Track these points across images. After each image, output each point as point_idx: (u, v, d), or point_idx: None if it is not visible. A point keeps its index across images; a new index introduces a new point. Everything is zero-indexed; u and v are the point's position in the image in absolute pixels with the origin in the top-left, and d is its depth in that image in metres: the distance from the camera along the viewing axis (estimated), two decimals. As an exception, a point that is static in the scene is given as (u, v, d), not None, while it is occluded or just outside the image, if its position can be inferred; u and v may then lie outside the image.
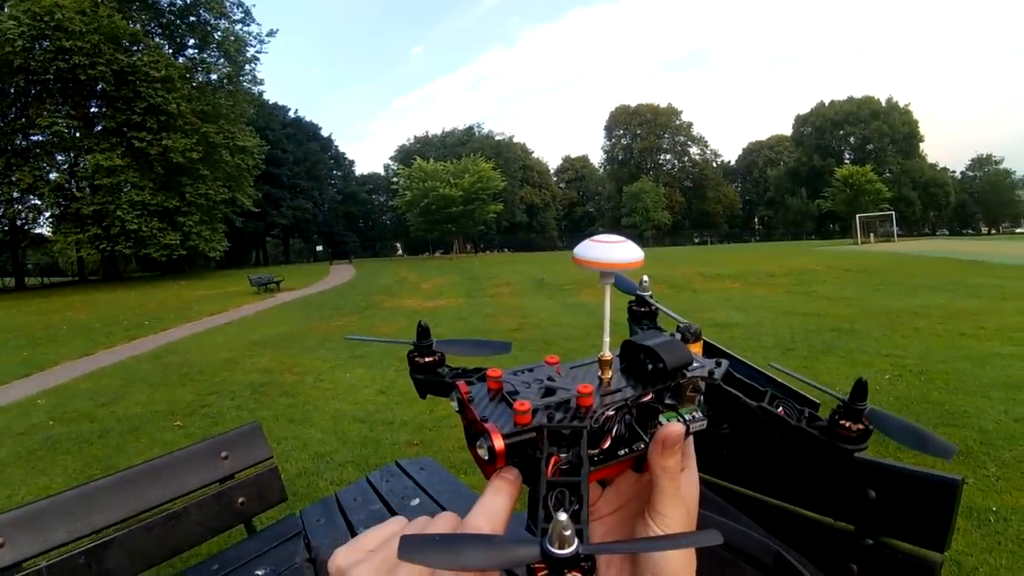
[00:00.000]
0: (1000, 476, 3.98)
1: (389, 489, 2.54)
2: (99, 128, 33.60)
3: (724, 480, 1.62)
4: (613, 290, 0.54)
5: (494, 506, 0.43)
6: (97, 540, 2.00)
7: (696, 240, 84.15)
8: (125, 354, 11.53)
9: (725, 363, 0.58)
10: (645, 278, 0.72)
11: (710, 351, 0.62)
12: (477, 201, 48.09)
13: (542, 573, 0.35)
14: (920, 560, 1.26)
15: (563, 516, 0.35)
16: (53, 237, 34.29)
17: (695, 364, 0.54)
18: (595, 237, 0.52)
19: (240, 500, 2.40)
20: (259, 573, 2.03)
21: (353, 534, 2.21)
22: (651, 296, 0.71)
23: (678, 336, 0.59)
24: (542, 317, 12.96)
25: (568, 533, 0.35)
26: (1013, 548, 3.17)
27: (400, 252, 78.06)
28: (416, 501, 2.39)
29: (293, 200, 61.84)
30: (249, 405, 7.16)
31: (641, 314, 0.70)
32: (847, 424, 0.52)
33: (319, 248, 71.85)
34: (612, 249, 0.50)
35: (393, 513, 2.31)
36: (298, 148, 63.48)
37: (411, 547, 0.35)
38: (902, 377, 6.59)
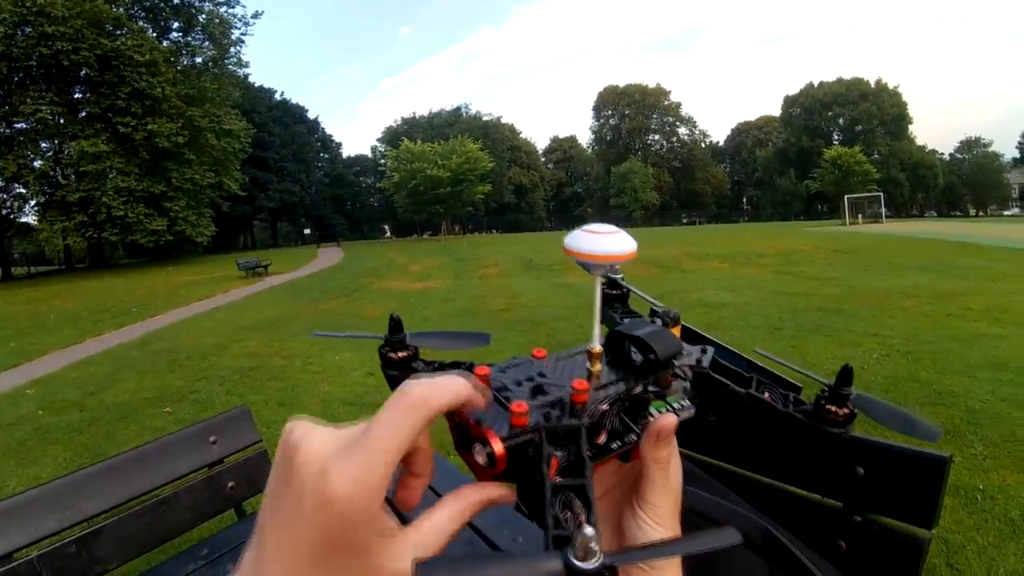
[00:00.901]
0: (987, 455, 4.02)
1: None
2: (83, 114, 33.22)
3: (712, 458, 1.62)
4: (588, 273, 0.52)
5: (440, 527, 0.41)
6: (88, 528, 2.00)
7: (684, 220, 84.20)
8: (113, 342, 11.47)
9: (711, 350, 0.57)
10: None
11: (688, 335, 0.62)
12: (465, 182, 47.92)
13: None
14: (908, 537, 1.27)
15: (589, 530, 0.33)
16: (39, 226, 33.91)
17: (684, 352, 0.53)
18: (587, 227, 0.49)
19: (230, 484, 2.40)
20: (249, 555, 2.03)
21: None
22: (623, 278, 0.69)
23: (657, 322, 0.57)
24: (530, 297, 12.96)
25: (594, 546, 0.33)
26: (1000, 526, 3.21)
27: (388, 234, 77.88)
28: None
29: (280, 183, 61.44)
30: (238, 390, 7.15)
31: (613, 296, 0.68)
32: (833, 408, 0.52)
33: (307, 231, 71.63)
34: (605, 240, 0.48)
35: (389, 503, 2.31)
36: (285, 131, 63.04)
37: (428, 570, 0.32)
38: (889, 357, 6.63)
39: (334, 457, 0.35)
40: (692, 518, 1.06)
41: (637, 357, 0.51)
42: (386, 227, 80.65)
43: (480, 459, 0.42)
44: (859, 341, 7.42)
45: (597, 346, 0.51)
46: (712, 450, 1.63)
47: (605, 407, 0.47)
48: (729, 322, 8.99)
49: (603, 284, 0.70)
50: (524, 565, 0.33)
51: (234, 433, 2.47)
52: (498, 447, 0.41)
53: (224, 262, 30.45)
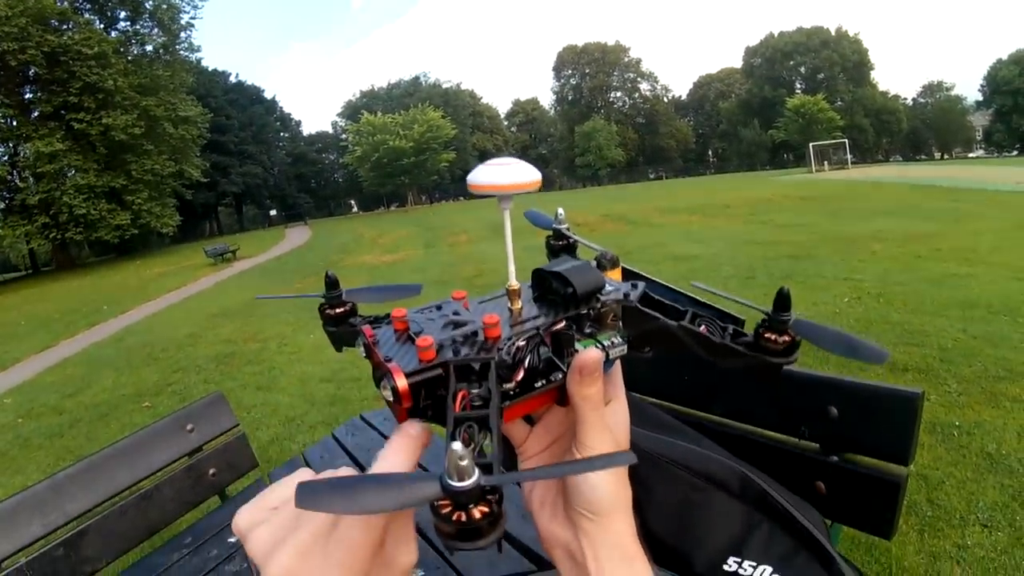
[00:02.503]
0: (961, 392, 4.08)
1: (355, 443, 2.54)
2: (36, 114, 32.67)
3: (683, 406, 1.64)
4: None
5: (392, 466, 0.41)
6: (73, 529, 1.98)
7: (651, 176, 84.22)
8: (87, 342, 11.32)
9: (641, 285, 0.56)
10: (560, 210, 0.69)
11: (629, 277, 0.61)
12: (429, 151, 47.85)
13: (446, 510, 0.34)
14: (886, 474, 1.29)
15: (457, 445, 0.33)
16: (1, 232, 33.26)
17: (608, 287, 0.53)
18: (489, 161, 0.51)
19: (211, 471, 2.38)
20: (232, 540, 2.03)
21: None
22: (568, 229, 0.69)
23: (593, 263, 0.56)
24: (501, 261, 12.73)
25: (465, 463, 0.33)
26: (977, 461, 3.26)
27: (355, 209, 77.44)
28: (382, 451, 2.40)
29: (242, 166, 60.56)
30: (215, 377, 7.10)
31: (559, 248, 0.67)
32: (772, 337, 0.50)
33: (273, 213, 70.92)
34: (505, 171, 0.50)
35: (360, 467, 2.33)
36: (242, 113, 62.03)
37: (307, 494, 0.33)
38: (861, 300, 6.71)
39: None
40: (667, 466, 1.08)
41: (561, 293, 0.51)
42: (352, 202, 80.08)
43: (386, 395, 0.42)
44: (830, 286, 7.50)
45: (515, 283, 0.52)
46: (686, 399, 1.65)
47: (521, 343, 0.46)
48: (701, 274, 9.04)
49: (548, 237, 0.70)
50: (403, 487, 0.34)
51: (210, 420, 2.45)
52: (401, 382, 0.41)
53: (192, 251, 30.15)
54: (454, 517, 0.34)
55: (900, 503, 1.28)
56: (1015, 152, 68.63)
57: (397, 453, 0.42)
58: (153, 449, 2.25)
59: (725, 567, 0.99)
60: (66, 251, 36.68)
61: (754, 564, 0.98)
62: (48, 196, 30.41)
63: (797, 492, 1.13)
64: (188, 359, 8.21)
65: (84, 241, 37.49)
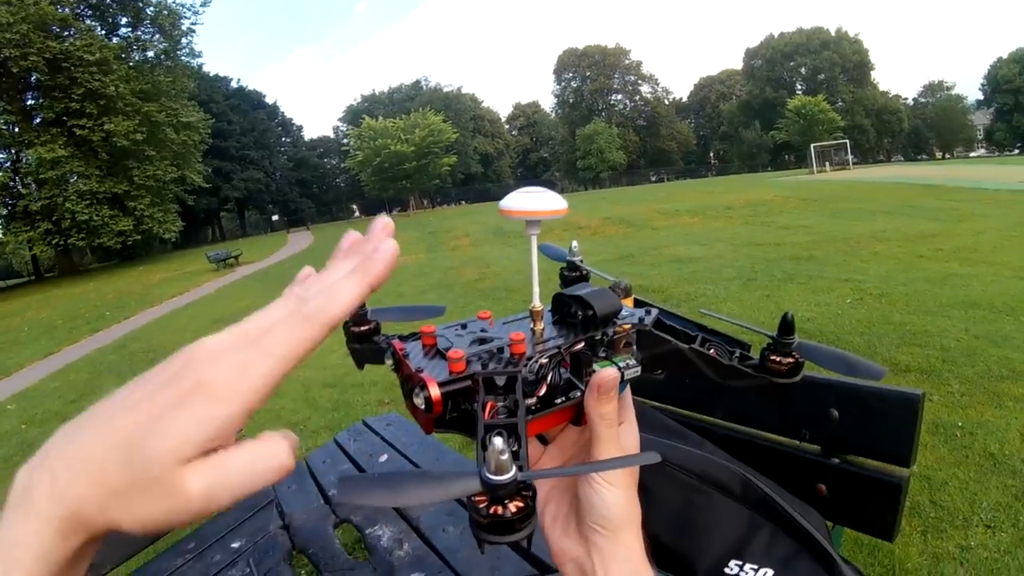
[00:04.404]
0: (964, 392, 4.07)
1: (357, 448, 2.55)
2: (38, 120, 32.65)
3: (686, 409, 1.64)
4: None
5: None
6: (77, 535, 1.99)
7: (653, 178, 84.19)
8: (90, 347, 11.35)
9: (655, 311, 0.60)
10: (575, 243, 0.72)
11: (640, 306, 0.64)
12: (430, 155, 47.78)
13: (483, 504, 0.36)
14: (887, 476, 1.29)
15: (499, 441, 0.35)
16: (3, 238, 33.40)
17: (624, 312, 0.56)
18: (521, 189, 0.53)
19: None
20: (235, 545, 2.04)
21: (324, 497, 2.22)
22: (581, 261, 0.72)
23: (608, 289, 0.59)
24: (504, 266, 12.98)
25: (505, 458, 0.35)
26: (980, 461, 3.25)
27: (357, 214, 77.58)
28: (384, 457, 2.40)
29: (244, 172, 60.78)
30: (219, 384, 7.10)
31: (572, 279, 0.72)
32: (777, 359, 0.54)
33: (275, 218, 71.21)
34: (536, 199, 0.52)
35: (363, 472, 2.33)
36: (244, 118, 62.18)
37: (351, 487, 0.34)
38: (863, 300, 6.69)
39: (228, 350, 0.36)
40: (669, 469, 1.08)
41: (581, 315, 0.54)
42: (355, 207, 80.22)
43: (419, 403, 0.45)
44: (832, 287, 7.47)
45: (538, 304, 0.54)
46: (688, 403, 1.65)
47: (544, 360, 0.49)
48: (702, 276, 9.01)
49: (562, 268, 0.74)
50: (444, 481, 0.35)
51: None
52: (434, 391, 0.44)
53: (194, 256, 30.16)
54: (491, 510, 0.36)
55: (902, 505, 1.28)
56: (1016, 151, 68.68)
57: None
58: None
59: (727, 570, 1.00)
60: (69, 257, 36.72)
61: (756, 567, 0.99)
62: (50, 202, 30.43)
63: (799, 494, 1.14)
64: (191, 365, 8.21)
65: (87, 247, 37.46)
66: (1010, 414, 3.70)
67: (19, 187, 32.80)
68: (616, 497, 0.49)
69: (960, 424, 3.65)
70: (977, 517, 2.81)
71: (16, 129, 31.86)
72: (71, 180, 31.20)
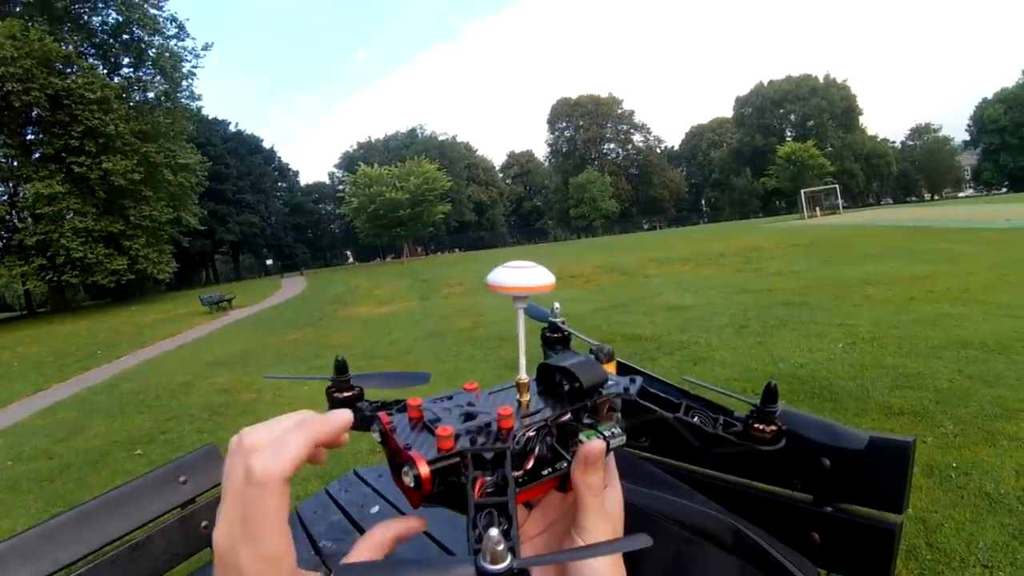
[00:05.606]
0: (958, 433, 4.07)
1: (348, 499, 2.52)
2: (37, 155, 32.81)
3: (675, 460, 1.64)
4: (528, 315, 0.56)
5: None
6: (63, 578, 1.96)
7: (645, 226, 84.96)
8: (80, 386, 11.24)
9: (639, 380, 0.60)
10: (557, 305, 0.73)
11: (624, 370, 0.65)
12: (424, 203, 48.08)
13: None
14: (880, 523, 1.29)
15: (494, 532, 0.36)
16: (-3, 272, 33.26)
17: (610, 382, 0.56)
18: (508, 263, 0.53)
19: (203, 524, 2.35)
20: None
21: (314, 546, 2.19)
22: (563, 322, 0.73)
23: (591, 357, 0.60)
24: (496, 315, 12.88)
25: (500, 548, 0.35)
26: (976, 501, 3.24)
27: (351, 260, 77.87)
28: (376, 508, 2.37)
29: (239, 215, 61.03)
30: (209, 427, 7.04)
31: (554, 340, 0.72)
32: (760, 427, 0.56)
33: (269, 262, 71.19)
34: (524, 274, 0.52)
35: (354, 523, 2.31)
36: (241, 162, 62.65)
37: (346, 571, 0.36)
38: (855, 345, 6.71)
39: (262, 447, 0.42)
40: (660, 522, 1.09)
41: (567, 387, 0.54)
42: (348, 253, 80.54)
43: (408, 481, 0.45)
44: (824, 332, 7.49)
45: (524, 376, 0.54)
46: (675, 453, 1.65)
47: (532, 433, 0.49)
48: (694, 323, 9.01)
49: (544, 329, 0.74)
50: (439, 570, 0.36)
51: (204, 471, 2.42)
52: (423, 469, 0.44)
53: (187, 298, 30.10)
54: None
55: (895, 550, 1.28)
56: (1004, 189, 69.49)
57: (370, 549, 0.48)
58: (146, 499, 2.23)
59: (718, 620, 0.99)
60: (62, 293, 36.51)
61: (747, 617, 0.98)
62: (46, 238, 30.38)
63: (792, 543, 1.14)
64: (182, 407, 8.15)
65: (80, 284, 37.35)
66: (1005, 453, 3.71)
67: (15, 221, 32.75)
68: (604, 565, 0.50)
69: (955, 465, 3.65)
70: (974, 557, 2.80)
71: (15, 163, 32.00)
72: (67, 216, 31.14)
